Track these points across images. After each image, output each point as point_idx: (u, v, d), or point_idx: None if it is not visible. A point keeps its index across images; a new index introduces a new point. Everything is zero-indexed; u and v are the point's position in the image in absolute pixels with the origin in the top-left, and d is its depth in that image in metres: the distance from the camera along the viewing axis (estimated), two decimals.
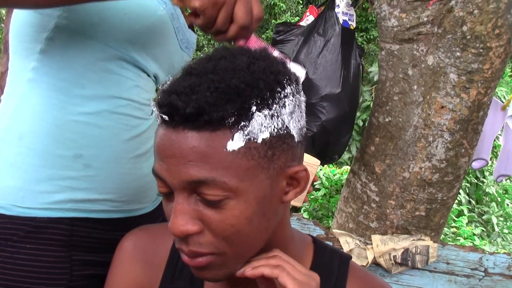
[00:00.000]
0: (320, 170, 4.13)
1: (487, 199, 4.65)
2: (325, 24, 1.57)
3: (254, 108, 0.51)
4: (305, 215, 3.76)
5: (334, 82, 1.53)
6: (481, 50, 1.27)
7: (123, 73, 0.78)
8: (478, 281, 1.45)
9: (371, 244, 1.43)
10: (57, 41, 0.74)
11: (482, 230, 4.09)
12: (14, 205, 0.73)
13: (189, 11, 0.67)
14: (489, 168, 4.54)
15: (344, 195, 1.58)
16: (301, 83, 0.59)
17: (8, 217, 0.73)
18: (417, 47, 1.33)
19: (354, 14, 1.64)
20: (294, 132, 0.55)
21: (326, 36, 1.56)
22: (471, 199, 4.51)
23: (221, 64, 0.53)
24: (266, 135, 0.52)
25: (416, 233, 1.43)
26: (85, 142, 0.75)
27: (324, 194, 3.97)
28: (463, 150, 1.37)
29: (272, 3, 8.56)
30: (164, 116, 0.51)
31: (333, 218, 1.79)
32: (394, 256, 1.40)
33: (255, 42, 0.72)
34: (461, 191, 4.17)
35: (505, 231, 4.19)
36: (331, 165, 4.40)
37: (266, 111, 0.52)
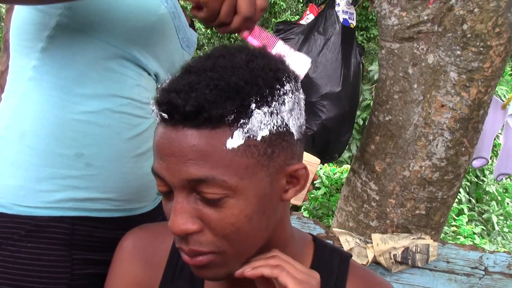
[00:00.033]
0: (320, 169, 4.13)
1: (487, 197, 4.65)
2: (325, 23, 1.57)
3: (253, 105, 0.50)
4: (305, 214, 3.76)
5: (334, 80, 1.53)
6: (481, 49, 1.27)
7: (125, 72, 0.77)
8: (478, 280, 1.45)
9: (371, 243, 1.43)
10: (58, 40, 0.74)
11: (482, 229, 4.09)
12: (15, 204, 0.73)
13: (189, 10, 0.66)
14: (489, 166, 4.54)
15: (344, 193, 1.58)
16: (306, 72, 0.58)
17: (9, 216, 0.72)
18: (418, 46, 1.33)
19: (354, 12, 1.64)
20: (293, 129, 0.55)
21: (326, 35, 1.56)
22: (471, 198, 4.51)
23: (220, 62, 0.53)
24: (265, 132, 0.52)
25: (416, 232, 1.43)
26: (86, 141, 0.75)
27: (324, 193, 3.97)
28: (463, 149, 1.37)
29: (272, 2, 8.55)
30: (163, 114, 0.51)
31: (333, 217, 1.79)
32: (394, 255, 1.40)
33: (259, 33, 0.71)
34: (461, 189, 4.16)
35: (505, 229, 4.19)
36: (331, 164, 4.40)
37: (265, 109, 0.51)
